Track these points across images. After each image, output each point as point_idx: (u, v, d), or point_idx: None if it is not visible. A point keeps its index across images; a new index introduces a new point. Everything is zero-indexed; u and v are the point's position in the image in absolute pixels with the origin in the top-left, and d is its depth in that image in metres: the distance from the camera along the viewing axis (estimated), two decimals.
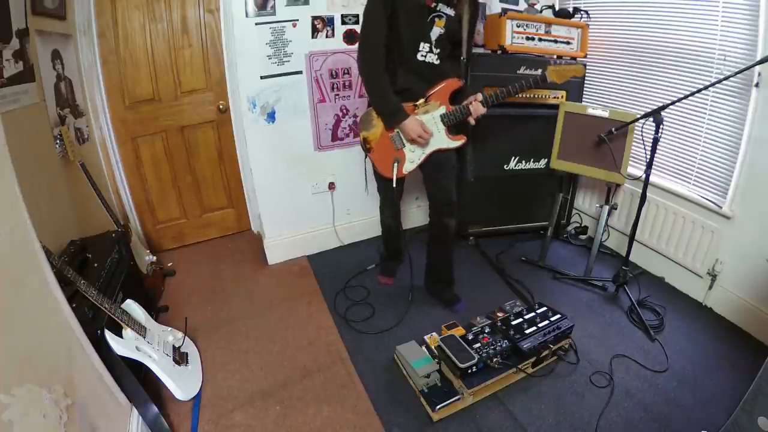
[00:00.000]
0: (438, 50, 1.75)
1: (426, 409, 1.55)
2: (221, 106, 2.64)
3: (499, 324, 1.74)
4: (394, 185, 1.85)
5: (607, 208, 2.29)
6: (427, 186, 1.99)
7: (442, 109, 1.79)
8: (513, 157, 2.56)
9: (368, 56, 1.73)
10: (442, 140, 1.83)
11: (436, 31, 1.72)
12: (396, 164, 1.83)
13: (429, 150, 1.84)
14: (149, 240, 2.75)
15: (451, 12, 1.72)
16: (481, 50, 2.63)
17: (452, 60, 1.81)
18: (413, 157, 1.86)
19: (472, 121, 1.77)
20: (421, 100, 1.80)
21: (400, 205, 1.99)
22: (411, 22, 1.68)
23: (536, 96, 2.48)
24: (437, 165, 1.88)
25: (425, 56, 1.75)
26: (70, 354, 1.11)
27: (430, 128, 1.80)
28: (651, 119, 1.87)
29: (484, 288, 2.31)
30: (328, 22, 2.25)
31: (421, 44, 1.72)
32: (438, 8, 1.70)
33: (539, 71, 2.41)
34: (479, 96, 1.74)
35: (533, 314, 1.78)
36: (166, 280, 2.46)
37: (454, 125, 1.82)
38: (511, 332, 1.68)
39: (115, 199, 2.44)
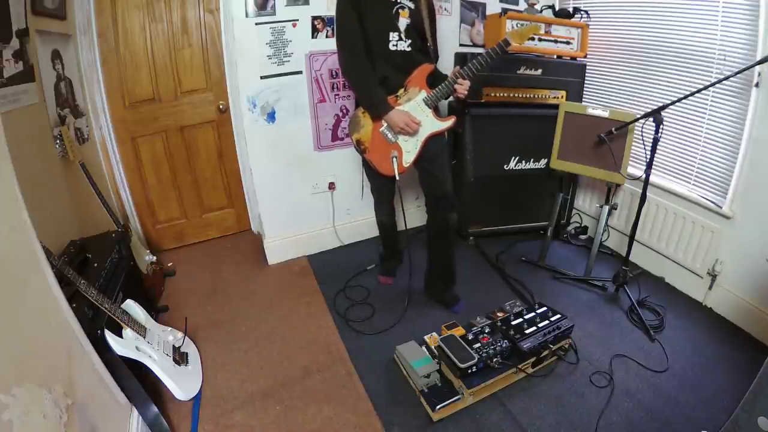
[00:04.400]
0: (409, 40, 1.81)
1: (426, 409, 1.55)
2: (221, 106, 2.64)
3: (499, 324, 1.74)
4: (397, 179, 1.85)
5: (607, 208, 2.29)
6: (423, 181, 1.99)
7: (423, 94, 1.82)
8: (513, 157, 2.56)
9: (348, 49, 1.78)
10: (432, 124, 1.85)
11: (403, 22, 1.79)
12: (395, 159, 1.83)
13: (422, 137, 1.85)
14: (149, 240, 2.75)
15: (412, 5, 1.80)
16: (481, 50, 2.64)
17: (423, 52, 1.87)
18: (409, 147, 1.86)
19: (461, 95, 1.79)
20: (401, 90, 1.84)
21: (400, 205, 1.98)
22: (377, 15, 1.75)
23: (536, 96, 2.48)
24: (431, 157, 1.90)
25: (396, 45, 1.80)
26: (70, 354, 1.11)
27: (417, 115, 1.82)
28: (651, 119, 1.87)
29: (484, 288, 2.31)
30: (328, 22, 2.24)
31: (390, 34, 1.78)
32: (400, 0, 1.78)
33: (539, 71, 2.42)
34: (456, 70, 1.78)
35: (533, 314, 1.78)
36: (166, 280, 2.46)
37: (437, 106, 1.86)
38: (511, 332, 1.68)
39: (115, 199, 2.44)
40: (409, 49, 1.82)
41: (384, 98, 1.80)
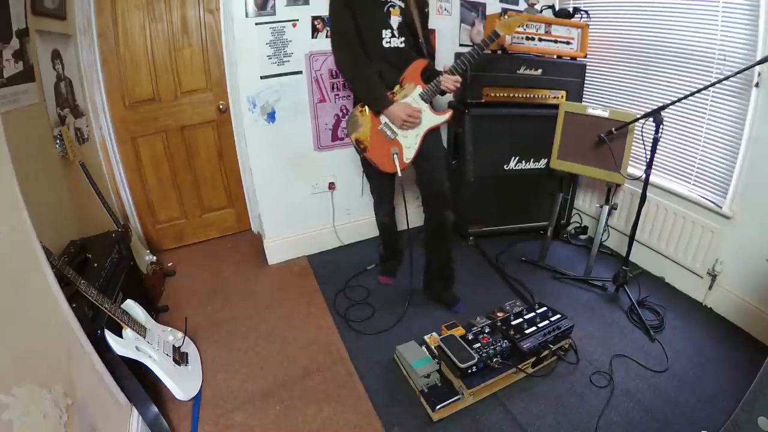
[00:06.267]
0: (402, 37, 1.84)
1: (426, 409, 1.55)
2: (221, 106, 2.64)
3: (499, 324, 1.74)
4: (399, 175, 1.86)
5: (607, 208, 2.29)
6: (420, 179, 1.99)
7: (419, 89, 1.84)
8: (513, 157, 2.56)
9: (345, 47, 1.80)
10: (430, 118, 1.87)
11: (395, 20, 1.82)
12: (395, 155, 1.84)
13: (422, 131, 1.87)
14: (149, 240, 2.75)
15: (402, 3, 1.83)
16: None
17: (416, 49, 1.89)
18: (408, 143, 1.88)
19: (447, 90, 1.81)
20: (397, 87, 1.85)
21: (403, 204, 1.98)
22: (370, 14, 1.78)
23: (536, 96, 2.48)
24: (427, 153, 1.91)
25: (390, 41, 1.82)
26: (70, 354, 1.11)
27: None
28: (651, 119, 1.87)
29: (484, 288, 2.31)
30: (328, 22, 2.24)
31: (383, 31, 1.80)
32: (390, 0, 1.81)
33: (539, 71, 2.42)
34: (447, 66, 1.80)
35: (533, 314, 1.78)
36: (166, 280, 2.46)
37: (433, 100, 1.88)
38: (511, 332, 1.68)
39: (115, 199, 2.44)
40: (402, 45, 1.85)
41: (384, 92, 1.82)
